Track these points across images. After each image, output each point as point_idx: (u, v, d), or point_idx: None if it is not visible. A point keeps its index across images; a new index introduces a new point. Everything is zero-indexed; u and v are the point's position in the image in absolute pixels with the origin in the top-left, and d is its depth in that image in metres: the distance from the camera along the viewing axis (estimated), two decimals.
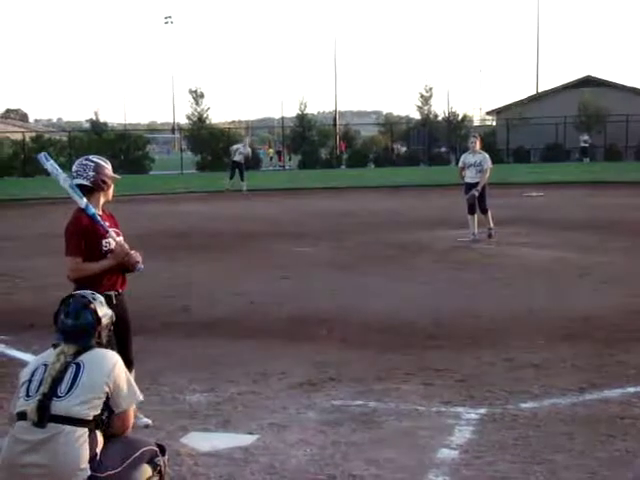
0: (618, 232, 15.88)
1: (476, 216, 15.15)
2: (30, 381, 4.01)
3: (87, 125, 56.52)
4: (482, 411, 5.83)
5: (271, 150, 59.54)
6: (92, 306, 4.26)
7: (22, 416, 3.90)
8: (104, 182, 5.47)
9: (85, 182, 5.39)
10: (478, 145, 15.47)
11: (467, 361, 7.17)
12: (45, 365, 4.03)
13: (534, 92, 62.34)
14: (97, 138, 47.65)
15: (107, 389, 3.99)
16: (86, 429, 3.88)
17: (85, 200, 5.32)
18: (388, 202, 24.75)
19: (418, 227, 17.41)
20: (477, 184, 15.03)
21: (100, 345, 4.25)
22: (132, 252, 5.39)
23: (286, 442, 5.32)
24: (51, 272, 10.91)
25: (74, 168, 5.51)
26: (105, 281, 5.33)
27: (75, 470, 3.78)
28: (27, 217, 22.16)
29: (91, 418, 3.91)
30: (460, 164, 15.78)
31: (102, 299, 4.40)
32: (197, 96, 54.29)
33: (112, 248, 5.34)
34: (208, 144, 48.39)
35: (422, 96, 55.59)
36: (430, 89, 55.72)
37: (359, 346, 7.80)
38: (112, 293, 5.32)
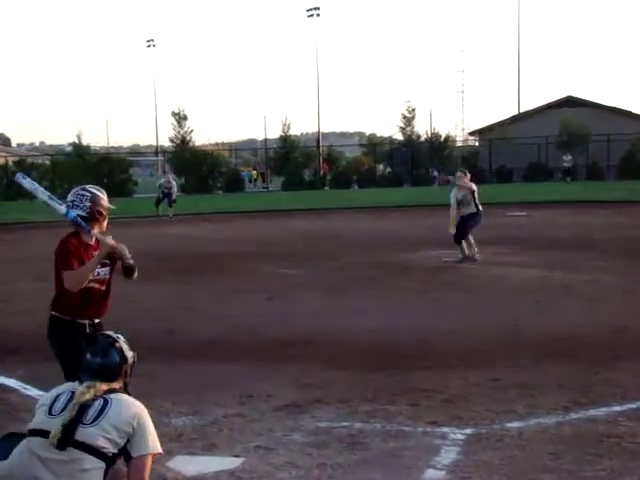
0: (601, 251, 15.96)
1: (470, 237, 15.00)
2: (54, 402, 3.98)
3: (70, 149, 56.28)
4: (468, 431, 5.83)
5: (255, 172, 59.55)
6: (118, 345, 4.32)
7: (40, 433, 3.86)
8: (100, 213, 5.48)
9: (82, 213, 5.38)
10: (465, 178, 15.11)
11: (453, 381, 7.17)
12: (72, 392, 4.02)
13: (516, 112, 62.84)
14: (80, 161, 47.54)
15: (131, 430, 3.93)
16: (104, 464, 3.83)
17: (64, 206, 5.31)
18: (372, 223, 24.80)
19: (403, 247, 17.44)
20: (472, 215, 14.88)
21: (126, 385, 4.30)
22: (117, 244, 5.35)
23: (272, 465, 5.29)
24: (35, 297, 10.83)
25: (70, 198, 5.48)
26: (82, 309, 5.29)
27: None
28: (10, 241, 22.05)
29: (110, 455, 3.86)
30: (452, 200, 15.03)
31: (124, 339, 4.43)
32: (180, 118, 54.40)
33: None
34: (192, 166, 48.39)
35: (405, 117, 55.91)
36: (413, 110, 56.07)
37: (345, 367, 7.79)
38: (86, 322, 5.30)
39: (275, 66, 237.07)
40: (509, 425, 5.93)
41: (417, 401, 6.59)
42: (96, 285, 5.35)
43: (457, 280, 13.15)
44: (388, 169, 55.87)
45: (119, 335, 4.43)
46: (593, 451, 5.35)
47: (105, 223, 5.56)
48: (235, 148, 74.52)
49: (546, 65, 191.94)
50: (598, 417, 6.08)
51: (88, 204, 5.39)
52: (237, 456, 5.47)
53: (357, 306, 11.06)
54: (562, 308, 10.55)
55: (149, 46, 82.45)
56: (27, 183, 5.50)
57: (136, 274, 5.47)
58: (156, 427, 6.08)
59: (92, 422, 3.86)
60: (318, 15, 65.48)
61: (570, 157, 47.38)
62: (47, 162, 50.00)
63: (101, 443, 3.82)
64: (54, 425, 3.84)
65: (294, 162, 51.72)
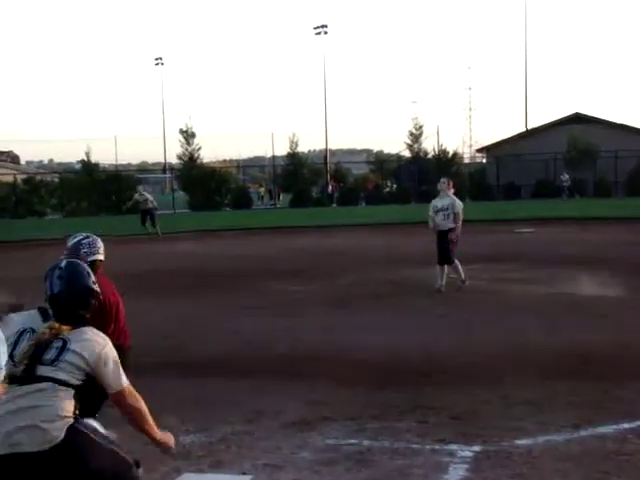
0: (609, 267, 15.92)
1: (446, 267, 13.74)
2: (16, 344, 3.89)
3: (78, 166, 56.43)
4: (477, 448, 5.81)
5: (262, 189, 59.63)
6: (89, 273, 4.17)
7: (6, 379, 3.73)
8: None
9: (102, 257, 5.86)
10: (448, 188, 14.14)
11: (461, 398, 7.16)
12: (33, 331, 3.92)
13: (524, 129, 62.87)
14: (88, 179, 47.69)
15: (95, 369, 3.88)
16: (71, 389, 3.81)
17: None
18: (379, 239, 24.79)
19: (410, 264, 17.43)
20: (448, 231, 13.72)
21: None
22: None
23: None
24: None
25: (84, 250, 5.68)
26: None
27: (57, 414, 3.73)
28: (21, 259, 22.09)
29: (75, 384, 3.83)
30: (430, 211, 14.13)
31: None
32: (188, 136, 54.54)
33: None
34: (199, 183, 48.48)
35: (412, 134, 55.99)
36: (420, 127, 56.14)
37: (353, 384, 7.78)
38: None
39: (283, 83, 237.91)
40: (518, 442, 5.92)
41: (425, 418, 6.58)
42: None
43: (464, 297, 13.13)
44: (395, 186, 55.89)
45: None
46: (602, 469, 5.33)
47: None
48: (243, 165, 74.67)
49: (554, 82, 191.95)
50: (607, 434, 6.07)
51: (100, 245, 5.94)
52: (245, 474, 5.47)
53: (365, 323, 11.06)
54: (570, 325, 10.53)
55: (157, 64, 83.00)
56: None
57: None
58: None
59: (51, 364, 3.83)
60: (326, 33, 65.80)
61: (567, 176, 47.39)
62: (56, 179, 50.16)
63: (62, 377, 3.81)
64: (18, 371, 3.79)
65: (302, 179, 51.79)
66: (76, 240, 5.68)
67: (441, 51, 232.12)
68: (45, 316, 4.03)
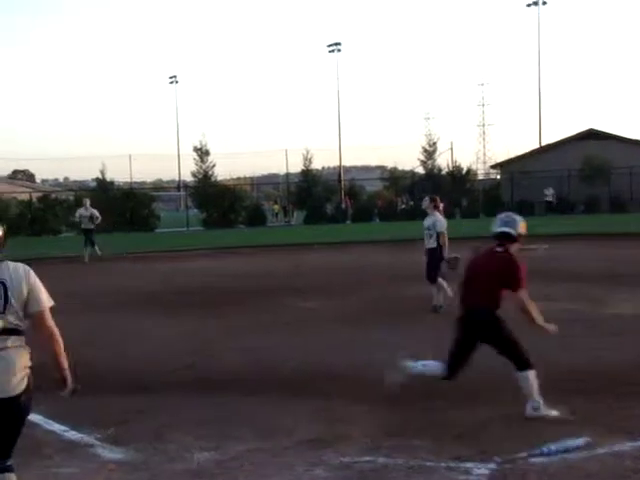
0: (625, 284, 15.82)
1: (442, 281, 13.38)
2: None
3: (94, 184, 56.72)
4: (492, 466, 5.76)
5: (276, 206, 59.75)
6: None
7: None
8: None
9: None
10: (430, 207, 13.70)
11: (477, 415, 7.10)
12: None
13: (537, 145, 62.78)
14: (103, 197, 47.90)
15: (27, 296, 4.42)
16: (23, 336, 4.40)
17: None
18: (393, 256, 24.74)
19: (423, 280, 17.35)
20: (432, 250, 13.45)
21: None
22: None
23: None
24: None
25: (504, 219, 7.46)
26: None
27: (24, 368, 4.39)
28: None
29: (24, 327, 4.40)
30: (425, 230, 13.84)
31: None
32: (202, 153, 54.77)
33: None
34: (214, 201, 48.62)
35: (426, 151, 56.02)
36: (434, 144, 56.20)
37: (367, 401, 7.74)
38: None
39: (297, 101, 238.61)
40: (534, 460, 5.86)
41: (441, 436, 6.53)
42: None
43: None
44: (411, 202, 55.87)
45: None
46: None
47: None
48: (257, 182, 74.91)
49: (568, 98, 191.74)
50: (624, 452, 6.00)
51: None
52: None
53: (378, 339, 11.01)
54: (586, 342, 10.45)
55: (172, 82, 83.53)
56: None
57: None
58: (178, 462, 6.10)
59: (4, 311, 4.32)
60: (339, 50, 66.15)
61: (552, 191, 47.39)
62: (71, 197, 50.38)
63: (17, 323, 4.37)
64: None
65: (316, 196, 51.85)
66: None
67: (454, 67, 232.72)
68: None
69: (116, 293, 16.96)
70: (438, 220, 13.52)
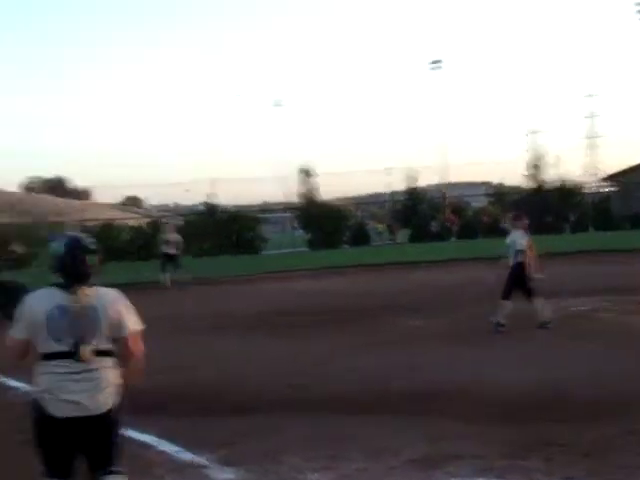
0: None
1: (536, 301, 13.22)
2: (49, 323, 4.46)
3: (201, 208, 57.82)
4: None
5: (381, 225, 59.66)
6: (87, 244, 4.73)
7: (56, 356, 4.46)
8: None
9: None
10: (512, 224, 13.70)
11: (589, 434, 6.88)
12: (60, 308, 4.47)
13: None
14: (210, 221, 48.80)
15: (116, 320, 4.59)
16: (113, 358, 4.61)
17: None
18: (497, 273, 24.31)
19: (536, 297, 16.99)
20: (513, 267, 13.28)
21: None
22: None
23: None
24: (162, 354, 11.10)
25: None
26: None
27: (112, 387, 4.56)
28: (149, 300, 22.59)
29: (114, 350, 4.61)
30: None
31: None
32: (307, 174, 55.29)
33: None
34: (318, 221, 48.92)
35: (532, 165, 55.02)
36: (540, 157, 55.12)
37: (477, 420, 7.60)
38: None
39: (399, 119, 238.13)
40: None
41: (553, 455, 6.36)
42: None
43: (591, 329, 12.71)
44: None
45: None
46: None
47: None
48: (361, 202, 75.04)
49: None
50: None
51: None
52: None
53: (486, 357, 10.83)
54: None
55: (276, 105, 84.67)
56: None
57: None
58: None
59: (94, 337, 4.49)
60: (440, 68, 65.85)
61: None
62: (180, 222, 51.51)
63: (106, 346, 4.56)
64: (66, 346, 4.45)
65: (421, 214, 51.54)
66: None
67: (559, 79, 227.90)
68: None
69: (219, 316, 17.11)
70: (519, 237, 13.41)
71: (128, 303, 4.74)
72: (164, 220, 39.31)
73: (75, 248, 4.61)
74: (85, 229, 35.30)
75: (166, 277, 25.18)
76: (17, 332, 4.57)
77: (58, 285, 4.55)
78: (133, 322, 4.70)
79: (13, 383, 10.14)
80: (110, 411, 4.57)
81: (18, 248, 35.31)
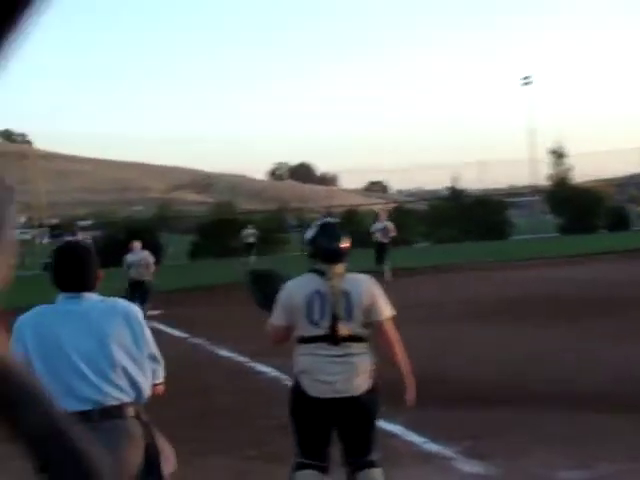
0: None
1: None
2: (308, 308, 4.58)
3: (446, 193, 57.57)
4: None
5: None
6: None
7: (314, 339, 4.59)
8: None
9: None
10: None
11: None
12: (318, 293, 4.58)
13: None
14: (455, 205, 48.33)
15: (368, 305, 4.62)
16: (366, 343, 4.66)
17: None
18: None
19: None
20: None
21: None
22: None
23: None
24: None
25: None
26: None
27: (366, 371, 4.63)
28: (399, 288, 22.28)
29: (367, 335, 4.66)
30: None
31: None
32: (558, 156, 53.28)
33: None
34: (570, 205, 46.87)
35: None
36: None
37: None
38: None
39: None
40: None
41: None
42: None
43: None
44: None
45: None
46: None
47: None
48: (619, 184, 71.16)
49: None
50: None
51: None
52: None
53: None
54: None
55: (525, 84, 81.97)
56: None
57: None
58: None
59: (347, 320, 4.55)
60: None
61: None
62: (424, 207, 51.53)
63: (359, 331, 4.61)
64: (323, 330, 4.56)
65: None
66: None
67: None
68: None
69: (465, 302, 16.70)
70: None
71: (380, 289, 4.77)
72: (378, 207, 38.94)
73: (329, 229, 4.81)
74: (329, 216, 36.09)
75: (385, 269, 22.62)
76: (277, 318, 4.72)
77: (315, 271, 4.68)
78: (386, 308, 4.72)
79: (262, 368, 10.39)
80: (364, 394, 4.61)
81: (251, 237, 36.85)
